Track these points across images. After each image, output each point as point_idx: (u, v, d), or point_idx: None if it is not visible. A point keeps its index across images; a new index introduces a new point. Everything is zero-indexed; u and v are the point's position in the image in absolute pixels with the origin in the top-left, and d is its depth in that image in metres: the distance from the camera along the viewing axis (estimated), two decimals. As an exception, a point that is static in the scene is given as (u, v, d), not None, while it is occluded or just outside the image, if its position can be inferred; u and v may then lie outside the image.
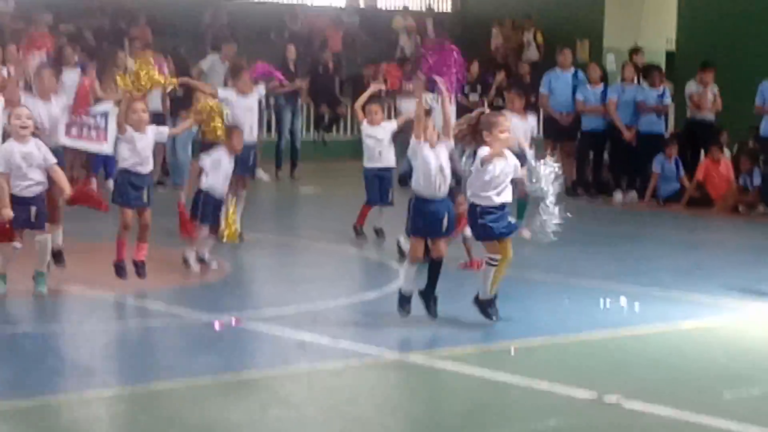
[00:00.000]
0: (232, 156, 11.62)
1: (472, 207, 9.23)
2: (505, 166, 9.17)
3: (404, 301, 9.34)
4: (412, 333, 9.09)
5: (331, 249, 13.20)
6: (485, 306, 9.29)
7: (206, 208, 11.44)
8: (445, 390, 7.75)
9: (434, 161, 9.17)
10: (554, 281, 11.02)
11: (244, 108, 13.25)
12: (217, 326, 9.04)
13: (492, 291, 9.28)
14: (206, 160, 11.56)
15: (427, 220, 9.25)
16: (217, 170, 11.51)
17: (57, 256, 10.97)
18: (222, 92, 13.30)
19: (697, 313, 10.14)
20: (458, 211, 12.02)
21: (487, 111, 9.49)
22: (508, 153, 9.25)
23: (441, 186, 9.23)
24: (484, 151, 9.10)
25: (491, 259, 9.23)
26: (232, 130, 11.76)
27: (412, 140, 9.32)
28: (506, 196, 9.21)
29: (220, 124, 11.24)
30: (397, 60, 24.69)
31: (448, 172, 9.26)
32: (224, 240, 11.54)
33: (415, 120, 9.34)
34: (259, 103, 14.52)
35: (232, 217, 11.59)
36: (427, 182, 9.20)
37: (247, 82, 13.45)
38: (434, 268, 9.29)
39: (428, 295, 9.33)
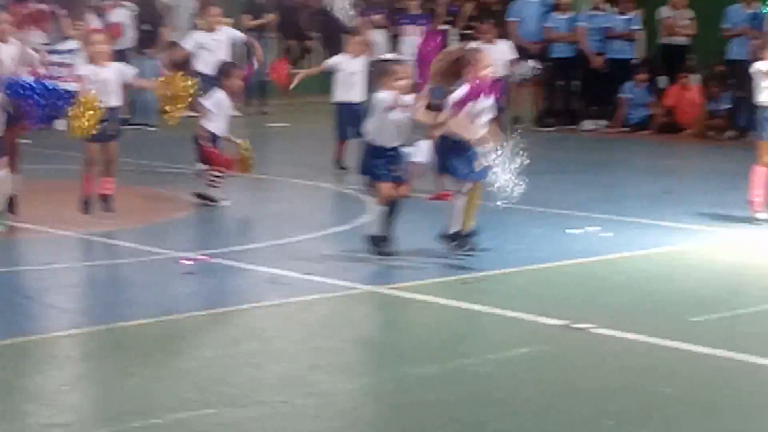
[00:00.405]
0: (231, 96, 11.69)
1: (447, 140, 9.15)
2: (486, 102, 9.14)
3: (381, 242, 9.26)
4: (383, 266, 9.10)
5: (301, 184, 13.19)
6: (454, 239, 9.26)
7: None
8: (416, 320, 7.79)
9: (396, 110, 9.08)
10: (523, 210, 11.02)
11: (211, 45, 13.21)
12: (187, 262, 9.04)
13: (468, 225, 9.26)
14: (208, 102, 11.62)
15: (386, 164, 9.19)
16: (220, 112, 11.61)
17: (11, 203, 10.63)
18: (188, 42, 13.33)
19: (666, 238, 10.19)
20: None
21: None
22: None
23: (398, 134, 9.18)
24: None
25: (462, 192, 9.21)
26: (230, 69, 11.86)
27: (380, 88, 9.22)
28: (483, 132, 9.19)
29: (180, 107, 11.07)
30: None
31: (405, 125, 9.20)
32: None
33: (383, 73, 9.21)
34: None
35: (245, 150, 11.61)
36: (384, 130, 9.14)
37: (216, 16, 13.39)
38: (394, 206, 9.25)
39: (387, 236, 9.27)
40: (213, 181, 11.62)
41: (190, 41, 13.68)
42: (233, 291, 8.54)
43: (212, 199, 11.57)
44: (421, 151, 11.87)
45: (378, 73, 9.30)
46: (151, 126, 18.16)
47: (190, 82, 10.71)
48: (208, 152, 11.66)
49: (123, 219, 10.67)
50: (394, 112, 9.05)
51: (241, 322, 7.69)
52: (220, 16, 13.60)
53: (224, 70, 12.01)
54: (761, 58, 10.63)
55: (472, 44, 10.64)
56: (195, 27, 19.82)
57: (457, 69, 9.05)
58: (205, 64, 13.32)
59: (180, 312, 7.68)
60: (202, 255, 9.27)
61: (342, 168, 13.66)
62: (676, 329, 7.37)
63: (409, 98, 9.03)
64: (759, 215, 10.59)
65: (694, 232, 10.49)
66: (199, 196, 11.60)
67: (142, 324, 7.45)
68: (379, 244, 9.24)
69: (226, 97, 11.71)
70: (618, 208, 11.43)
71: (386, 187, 9.17)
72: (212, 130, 11.62)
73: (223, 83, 11.82)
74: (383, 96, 9.09)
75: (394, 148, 9.19)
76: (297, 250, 9.70)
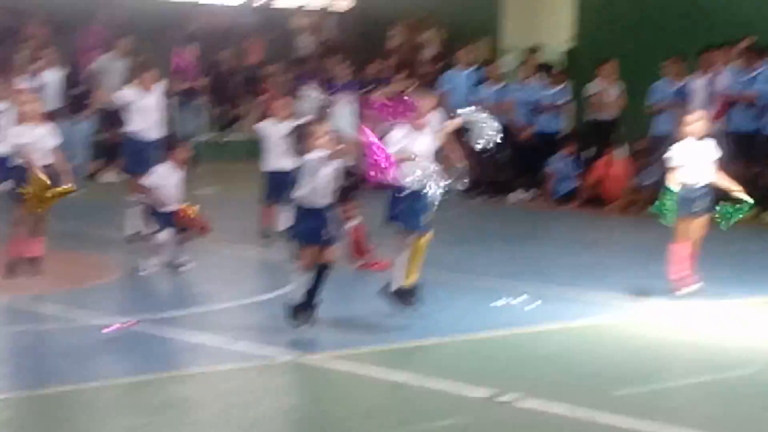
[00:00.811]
0: (178, 168, 11.73)
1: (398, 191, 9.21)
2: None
3: (295, 310, 9.15)
4: (308, 334, 9.05)
5: (229, 250, 13.13)
6: (403, 294, 9.27)
7: (159, 215, 11.60)
8: (341, 390, 7.75)
9: (325, 169, 9.11)
10: (452, 280, 11.07)
11: (145, 105, 13.19)
12: (112, 329, 8.95)
13: (413, 279, 9.27)
14: (152, 177, 11.66)
15: (315, 227, 9.17)
16: (165, 184, 11.61)
17: None
18: (121, 95, 13.31)
19: (591, 311, 10.26)
20: (349, 216, 12.07)
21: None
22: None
23: (326, 194, 9.20)
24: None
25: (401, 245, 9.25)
26: (178, 143, 11.87)
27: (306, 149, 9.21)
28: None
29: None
30: (295, 60, 24.64)
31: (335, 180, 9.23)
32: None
33: (308, 135, 9.21)
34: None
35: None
36: (317, 190, 9.12)
37: (149, 79, 13.38)
38: (321, 272, 9.15)
39: (310, 303, 9.16)
40: (155, 250, 11.57)
41: (120, 98, 13.63)
42: (156, 358, 8.45)
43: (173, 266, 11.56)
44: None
45: (299, 138, 9.30)
46: (78, 190, 18.02)
47: (59, 191, 10.70)
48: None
49: (49, 283, 10.56)
50: (322, 170, 9.05)
51: (163, 391, 7.60)
52: (154, 79, 13.59)
53: (174, 142, 12.12)
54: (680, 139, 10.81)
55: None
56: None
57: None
58: (137, 125, 13.32)
59: (102, 379, 7.59)
60: (127, 321, 9.18)
61: (267, 236, 13.62)
62: (599, 402, 7.39)
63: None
64: (683, 291, 10.70)
65: (618, 305, 10.56)
66: (173, 265, 11.54)
67: (64, 391, 7.36)
68: (298, 313, 9.09)
69: (170, 169, 11.68)
70: (544, 280, 11.48)
71: (311, 252, 9.12)
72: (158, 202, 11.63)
73: (169, 156, 11.85)
74: (311, 157, 9.09)
75: (326, 208, 9.16)
76: (222, 318, 9.65)
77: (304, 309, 9.11)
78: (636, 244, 14.29)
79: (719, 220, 10.87)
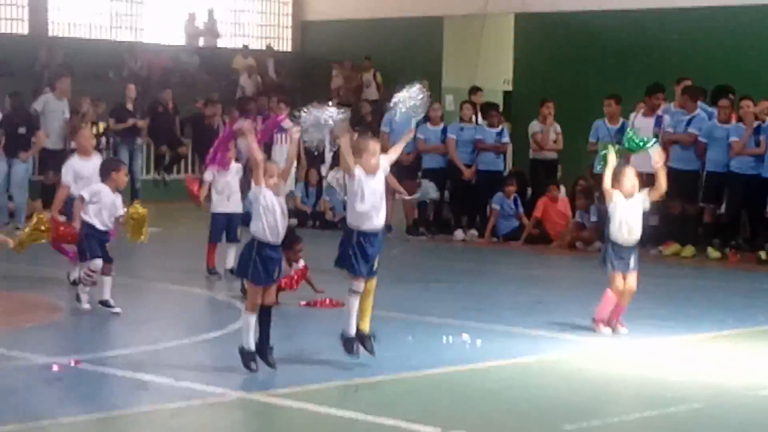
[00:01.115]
0: (116, 192, 11.57)
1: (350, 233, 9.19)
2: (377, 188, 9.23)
3: (249, 357, 8.98)
4: (255, 372, 9.00)
5: (173, 289, 13.06)
6: (352, 342, 9.25)
7: (90, 242, 11.34)
8: (289, 429, 7.71)
9: (279, 207, 9.10)
10: (397, 318, 11.06)
11: (88, 175, 13.02)
12: (55, 368, 8.85)
13: (365, 326, 9.27)
14: (85, 191, 11.52)
15: (270, 266, 9.08)
16: (97, 203, 11.39)
17: None
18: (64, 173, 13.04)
19: (537, 347, 10.29)
20: (296, 258, 12.04)
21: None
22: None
23: (282, 232, 9.16)
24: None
25: (354, 290, 9.22)
26: (117, 164, 11.77)
27: (254, 186, 9.13)
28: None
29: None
30: (237, 100, 24.62)
31: (286, 216, 9.21)
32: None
33: (254, 165, 9.18)
34: (98, 143, 14.31)
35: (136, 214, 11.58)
36: (272, 228, 9.07)
37: (88, 139, 13.20)
38: (266, 315, 9.07)
39: (265, 349, 9.01)
40: (86, 278, 11.44)
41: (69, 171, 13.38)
42: (101, 397, 8.36)
43: (78, 300, 11.42)
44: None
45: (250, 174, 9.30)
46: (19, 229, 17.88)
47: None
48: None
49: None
50: (270, 204, 8.99)
51: (109, 430, 7.52)
52: (90, 138, 13.42)
53: (111, 165, 11.91)
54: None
55: None
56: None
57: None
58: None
59: (45, 419, 7.49)
60: (70, 360, 9.08)
61: (213, 273, 13.58)
62: (548, 437, 7.41)
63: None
64: (602, 330, 10.78)
65: (563, 341, 10.61)
66: (103, 303, 11.40)
67: (6, 431, 7.25)
68: (248, 359, 8.94)
69: (108, 191, 11.53)
70: (489, 317, 11.52)
71: (261, 293, 9.05)
72: (86, 220, 11.44)
73: (108, 177, 11.61)
74: (263, 193, 9.02)
75: (277, 247, 9.11)
76: (168, 356, 9.57)
77: (248, 354, 8.97)
78: (580, 281, 14.38)
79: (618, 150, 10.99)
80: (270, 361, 8.97)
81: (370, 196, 9.18)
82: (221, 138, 14.13)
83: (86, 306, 11.45)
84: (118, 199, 11.58)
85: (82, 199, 11.49)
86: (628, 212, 10.78)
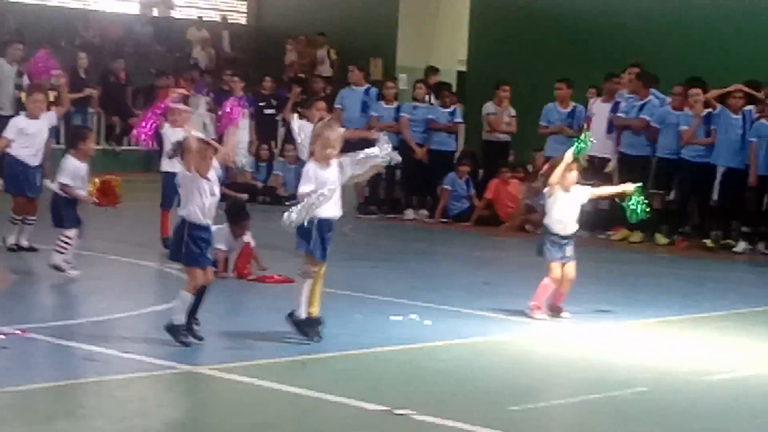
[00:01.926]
0: (86, 159, 11.65)
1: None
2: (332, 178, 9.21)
3: (180, 331, 8.95)
4: (203, 345, 8.99)
5: (123, 261, 13.00)
6: (303, 325, 9.26)
7: (68, 209, 11.52)
8: (236, 402, 7.69)
9: (209, 188, 9.00)
10: (346, 297, 11.06)
11: (34, 132, 12.99)
12: (1, 337, 8.78)
13: (315, 311, 9.27)
14: (64, 177, 11.57)
15: (203, 246, 9.04)
16: (73, 178, 11.53)
17: None
18: (11, 126, 13.06)
19: (485, 328, 10.33)
20: (242, 232, 12.05)
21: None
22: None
23: (213, 212, 9.12)
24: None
25: (307, 273, 9.20)
26: (84, 132, 11.72)
27: (184, 170, 9.01)
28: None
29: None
30: (190, 71, 24.50)
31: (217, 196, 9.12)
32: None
33: (186, 151, 8.99)
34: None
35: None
36: (204, 210, 9.00)
37: (38, 105, 13.15)
38: (200, 293, 9.06)
39: (191, 323, 9.02)
40: (61, 245, 11.43)
41: (12, 127, 13.36)
42: (48, 367, 8.33)
43: (61, 269, 11.39)
44: (221, 237, 11.87)
45: (180, 150, 9.19)
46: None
47: None
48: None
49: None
50: (203, 188, 8.95)
51: (55, 400, 7.48)
52: (43, 102, 13.36)
53: (78, 134, 11.97)
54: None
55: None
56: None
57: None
58: (20, 150, 13.10)
59: (-8, 387, 7.45)
60: (16, 329, 9.02)
61: (167, 246, 13.47)
62: (494, 417, 7.44)
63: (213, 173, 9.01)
64: (537, 316, 10.82)
65: (511, 323, 10.66)
66: (55, 267, 11.40)
67: (-50, 399, 7.21)
68: (179, 333, 8.92)
69: (79, 162, 11.55)
70: (438, 297, 11.55)
71: (201, 274, 9.00)
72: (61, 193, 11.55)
73: (76, 147, 11.67)
74: (186, 172, 8.98)
75: (208, 228, 9.08)
76: (116, 328, 9.54)
77: (185, 330, 8.94)
78: (529, 264, 14.41)
79: (631, 215, 11.05)
80: (198, 335, 8.98)
81: (320, 185, 9.15)
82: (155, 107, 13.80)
83: (74, 273, 11.45)
84: (84, 168, 11.59)
85: (67, 185, 11.56)
86: (566, 205, 10.83)
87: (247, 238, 12.19)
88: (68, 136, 12.08)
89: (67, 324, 9.62)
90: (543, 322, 10.64)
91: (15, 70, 19.66)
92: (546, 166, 11.15)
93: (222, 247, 12.01)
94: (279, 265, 12.06)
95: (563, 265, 10.88)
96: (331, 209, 9.24)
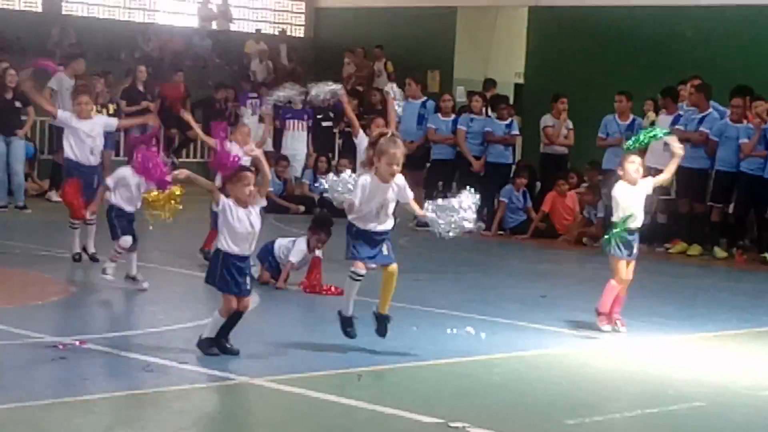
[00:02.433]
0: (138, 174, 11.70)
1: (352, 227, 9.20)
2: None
3: (208, 345, 8.99)
4: (259, 357, 9.03)
5: (178, 272, 13.08)
6: (346, 322, 9.31)
7: (120, 222, 11.59)
8: (292, 413, 7.72)
9: (246, 218, 8.96)
10: (402, 308, 11.05)
11: (84, 132, 13.09)
12: (60, 347, 8.87)
13: (385, 309, 9.34)
14: (109, 179, 11.71)
15: (238, 277, 8.99)
16: (123, 187, 11.61)
17: None
18: (61, 114, 13.25)
19: (541, 342, 10.30)
20: (316, 246, 12.10)
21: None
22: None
23: (252, 244, 9.11)
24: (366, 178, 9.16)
25: (353, 273, 9.22)
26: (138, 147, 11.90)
27: (218, 200, 9.00)
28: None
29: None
30: (250, 84, 24.62)
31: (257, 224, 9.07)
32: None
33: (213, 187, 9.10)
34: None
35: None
36: (237, 240, 8.97)
37: (85, 105, 13.25)
38: (236, 317, 9.04)
39: (222, 341, 9.02)
40: (115, 254, 11.61)
41: (61, 114, 13.53)
42: (106, 378, 8.39)
43: (105, 273, 11.57)
44: (297, 251, 11.95)
45: (227, 179, 9.24)
46: (24, 208, 17.94)
47: None
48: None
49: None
50: (240, 218, 8.93)
51: (112, 411, 7.55)
52: (89, 105, 13.45)
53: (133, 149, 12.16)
54: (620, 179, 10.85)
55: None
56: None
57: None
58: (71, 150, 13.19)
59: (50, 398, 7.51)
60: (74, 340, 9.10)
61: (207, 258, 13.51)
62: (551, 431, 7.42)
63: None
64: (604, 327, 10.74)
65: (567, 336, 10.62)
66: (130, 278, 11.62)
67: (10, 408, 7.27)
68: (207, 345, 8.95)
69: (132, 174, 11.66)
70: (494, 310, 11.53)
71: (231, 302, 8.97)
72: (113, 203, 11.67)
73: (130, 161, 11.85)
74: (225, 203, 8.97)
75: (245, 257, 9.06)
76: (173, 339, 9.59)
77: (212, 344, 8.97)
78: (585, 277, 14.37)
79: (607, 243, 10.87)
80: (232, 350, 8.95)
81: (375, 202, 9.15)
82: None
83: (110, 277, 11.58)
84: (135, 180, 11.69)
85: (106, 187, 11.73)
86: (632, 199, 10.75)
87: (318, 252, 12.23)
88: (129, 149, 12.21)
89: (124, 335, 9.69)
90: (599, 335, 10.58)
91: (74, 83, 19.86)
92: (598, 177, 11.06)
93: (293, 260, 12.10)
94: (333, 277, 12.08)
95: (628, 264, 10.78)
96: (384, 223, 9.24)
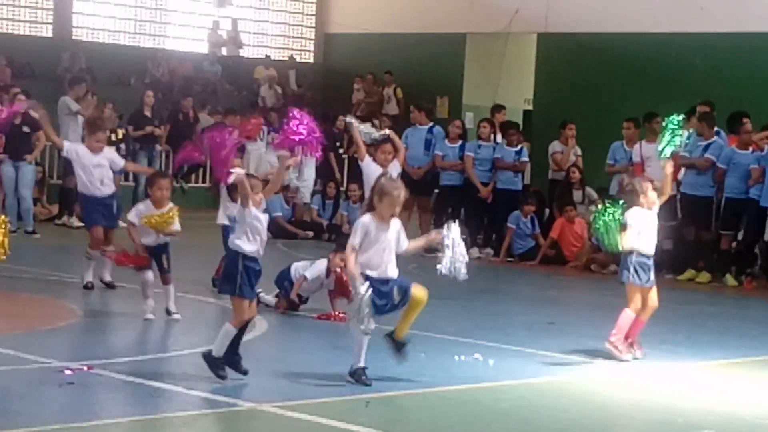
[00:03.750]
0: (161, 206, 11.73)
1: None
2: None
3: (218, 364, 8.95)
4: (266, 383, 9.02)
5: (187, 298, 13.06)
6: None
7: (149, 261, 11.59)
8: (300, 440, 7.72)
9: (263, 221, 9.03)
10: (410, 335, 11.05)
11: (91, 164, 13.11)
12: (68, 373, 8.87)
13: (402, 333, 9.36)
14: (132, 216, 11.67)
15: (253, 280, 9.04)
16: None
17: None
18: (68, 146, 13.28)
19: (549, 369, 10.28)
20: (336, 263, 12.07)
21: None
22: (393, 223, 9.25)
23: (263, 245, 9.11)
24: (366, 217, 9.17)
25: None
26: (156, 178, 11.86)
27: (240, 207, 9.02)
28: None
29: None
30: (259, 110, 24.68)
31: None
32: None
33: (240, 187, 8.96)
34: (119, 150, 14.36)
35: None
36: (257, 241, 9.00)
37: (97, 142, 13.28)
38: (244, 327, 9.07)
39: (235, 357, 8.99)
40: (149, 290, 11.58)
41: (68, 145, 13.57)
42: (114, 403, 8.38)
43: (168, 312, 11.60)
44: (315, 269, 11.95)
45: (233, 188, 9.28)
46: (33, 233, 17.97)
47: None
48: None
49: (4, 325, 10.45)
50: (254, 222, 8.95)
51: (120, 436, 7.55)
52: (103, 142, 13.49)
53: (149, 181, 12.11)
54: (636, 205, 10.79)
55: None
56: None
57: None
58: (82, 183, 13.23)
59: (58, 423, 7.50)
60: (83, 365, 9.10)
61: (215, 285, 13.51)
62: (558, 459, 7.41)
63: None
64: (624, 357, 10.67)
65: (576, 363, 10.60)
66: (167, 311, 11.60)
67: (17, 434, 7.28)
68: (217, 366, 8.93)
69: (153, 207, 11.65)
70: (502, 337, 11.52)
71: (247, 308, 8.99)
72: (145, 243, 11.65)
73: (149, 194, 11.85)
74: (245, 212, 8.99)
75: (258, 260, 9.04)
76: (181, 364, 9.59)
77: (222, 363, 8.94)
78: (595, 303, 14.37)
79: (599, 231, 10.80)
80: (242, 369, 8.96)
81: (372, 242, 9.12)
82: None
83: (150, 316, 11.50)
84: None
85: (132, 224, 11.65)
86: (646, 222, 10.72)
87: (338, 270, 12.15)
88: (147, 179, 12.29)
89: (132, 360, 9.69)
90: (607, 363, 10.54)
91: (77, 107, 19.93)
92: (624, 179, 10.94)
93: (308, 275, 12.08)
94: (340, 303, 12.08)
95: (648, 290, 10.73)
96: (393, 270, 9.23)
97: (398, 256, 9.35)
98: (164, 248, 11.79)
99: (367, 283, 8.94)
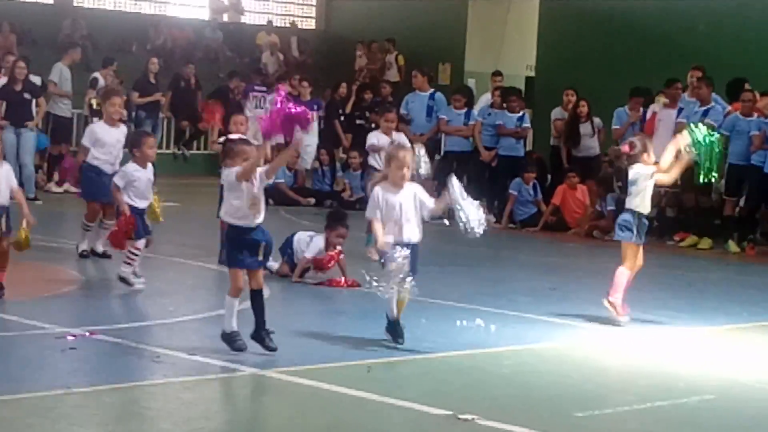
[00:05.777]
0: (146, 165, 11.55)
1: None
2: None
3: (233, 339, 8.82)
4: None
5: (188, 264, 13.09)
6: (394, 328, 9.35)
7: (137, 221, 11.35)
8: (301, 405, 7.72)
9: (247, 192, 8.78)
10: (412, 301, 11.05)
11: (112, 142, 13.02)
12: (70, 338, 8.89)
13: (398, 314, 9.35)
14: (118, 179, 11.51)
15: (247, 249, 8.81)
16: (133, 185, 11.42)
17: None
18: (88, 142, 13.11)
19: (551, 334, 10.29)
20: (335, 242, 12.07)
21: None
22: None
23: (258, 213, 8.87)
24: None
25: None
26: (141, 136, 11.72)
27: (234, 174, 8.75)
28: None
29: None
30: (260, 75, 24.59)
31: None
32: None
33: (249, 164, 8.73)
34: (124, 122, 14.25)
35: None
36: (242, 212, 8.79)
37: (118, 110, 13.21)
38: (257, 300, 8.87)
39: (261, 334, 8.81)
40: (130, 257, 11.39)
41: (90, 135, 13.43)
42: (116, 368, 8.39)
43: (128, 283, 11.33)
44: (313, 247, 11.93)
45: (227, 152, 9.21)
46: (35, 200, 17.95)
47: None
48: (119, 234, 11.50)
49: (7, 292, 10.45)
50: (244, 188, 8.74)
51: (122, 401, 7.56)
52: (121, 106, 13.43)
53: (134, 140, 11.91)
54: (639, 162, 10.78)
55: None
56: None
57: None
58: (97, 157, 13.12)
59: (60, 388, 7.52)
60: (85, 331, 9.12)
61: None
62: (559, 423, 7.42)
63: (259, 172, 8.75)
64: (621, 320, 10.70)
65: (577, 328, 10.61)
66: (122, 280, 11.37)
67: (20, 399, 7.29)
68: (232, 340, 8.80)
69: (137, 167, 11.55)
70: (504, 302, 11.53)
71: (239, 277, 8.83)
72: (133, 205, 11.47)
73: (133, 153, 11.66)
74: (228, 172, 8.85)
75: (249, 229, 8.84)
76: (183, 330, 9.61)
77: (234, 337, 8.81)
78: (596, 270, 14.34)
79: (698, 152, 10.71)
80: (270, 346, 8.76)
81: (390, 210, 9.15)
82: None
83: (140, 285, 11.35)
84: (149, 172, 11.60)
85: (117, 187, 11.48)
86: (651, 188, 10.75)
87: (338, 248, 12.13)
88: (128, 143, 12.09)
89: (134, 326, 9.71)
90: (609, 328, 10.56)
91: (69, 72, 19.89)
92: (626, 147, 10.91)
93: (308, 255, 12.05)
94: (349, 271, 12.09)
95: (638, 248, 10.79)
96: (409, 233, 9.25)
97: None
98: (144, 211, 11.64)
99: (405, 249, 8.96)
